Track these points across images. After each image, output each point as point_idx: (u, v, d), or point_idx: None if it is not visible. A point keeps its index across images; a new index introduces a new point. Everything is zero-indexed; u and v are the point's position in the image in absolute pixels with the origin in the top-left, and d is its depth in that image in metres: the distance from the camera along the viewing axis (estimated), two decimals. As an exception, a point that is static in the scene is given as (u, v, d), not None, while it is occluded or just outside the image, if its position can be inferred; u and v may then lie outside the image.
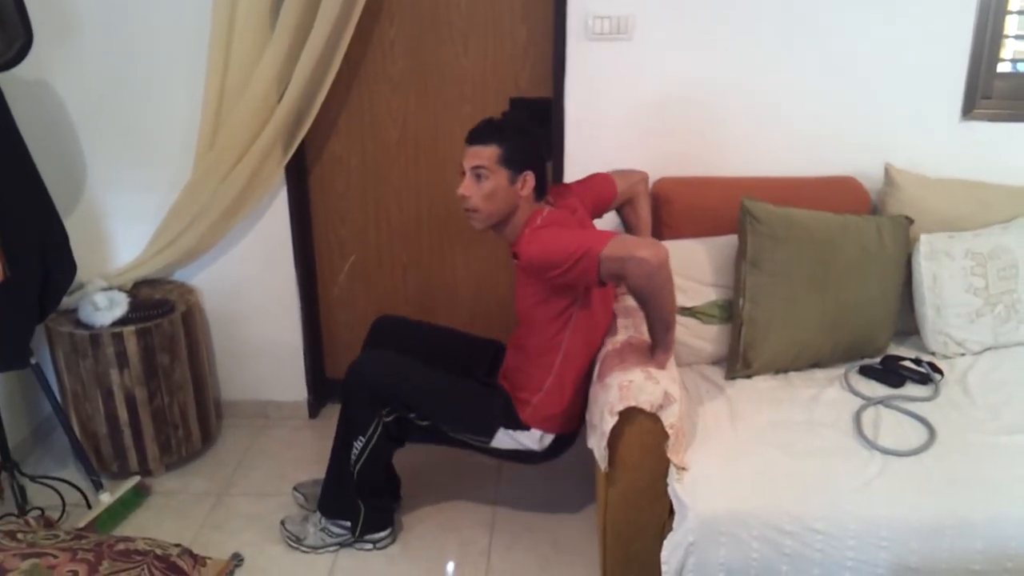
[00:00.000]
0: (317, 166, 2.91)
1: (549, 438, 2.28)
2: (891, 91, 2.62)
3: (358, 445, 2.29)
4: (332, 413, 3.15)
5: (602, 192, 2.41)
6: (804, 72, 2.62)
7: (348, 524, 2.41)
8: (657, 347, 2.08)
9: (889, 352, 2.43)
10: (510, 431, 2.27)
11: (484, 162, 2.12)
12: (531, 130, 2.21)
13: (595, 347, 2.25)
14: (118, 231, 2.86)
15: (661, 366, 2.04)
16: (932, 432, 2.04)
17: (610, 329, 2.29)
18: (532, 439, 2.28)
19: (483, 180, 2.13)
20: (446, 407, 2.31)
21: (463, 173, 2.16)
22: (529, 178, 2.15)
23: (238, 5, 2.50)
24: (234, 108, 2.58)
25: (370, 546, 2.43)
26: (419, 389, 2.29)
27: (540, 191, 2.20)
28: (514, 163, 2.13)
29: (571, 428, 2.33)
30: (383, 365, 2.31)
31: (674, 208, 2.57)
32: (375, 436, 2.28)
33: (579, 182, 2.41)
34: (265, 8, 2.52)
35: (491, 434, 2.28)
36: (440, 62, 2.76)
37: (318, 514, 2.44)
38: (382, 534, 2.44)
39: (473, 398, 2.32)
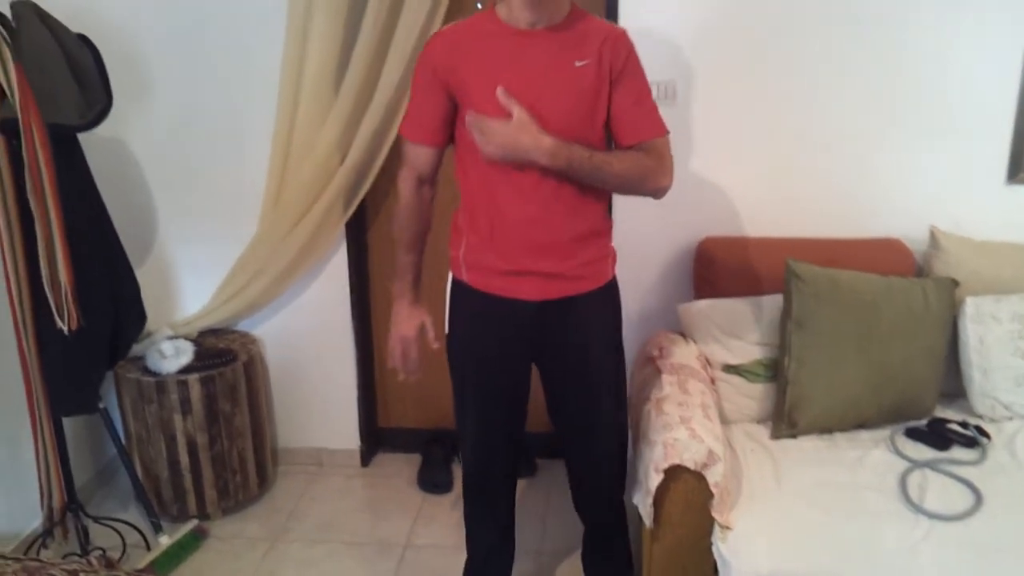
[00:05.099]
0: (376, 223, 3.02)
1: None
2: (936, 154, 2.66)
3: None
4: (383, 462, 3.23)
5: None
6: (850, 134, 2.66)
7: None
8: (546, 136, 1.81)
9: (936, 414, 2.43)
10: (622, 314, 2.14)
11: None
12: None
13: None
14: (186, 282, 3.00)
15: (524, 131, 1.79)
16: (979, 497, 2.04)
17: (655, 384, 2.31)
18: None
19: None
20: (622, 380, 2.16)
21: None
22: None
23: (305, 70, 2.64)
24: (299, 168, 2.71)
25: None
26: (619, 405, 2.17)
27: None
28: None
29: None
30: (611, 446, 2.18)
31: (719, 267, 2.61)
32: None
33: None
34: (330, 74, 2.65)
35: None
36: (494, 124, 2.86)
37: None
38: None
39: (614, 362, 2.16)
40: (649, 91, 1.95)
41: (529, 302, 1.98)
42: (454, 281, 2.10)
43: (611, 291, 2.09)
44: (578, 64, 1.86)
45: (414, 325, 2.16)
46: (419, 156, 2.02)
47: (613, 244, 2.08)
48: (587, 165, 1.83)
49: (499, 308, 2.00)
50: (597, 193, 1.98)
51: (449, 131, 2.00)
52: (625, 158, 1.90)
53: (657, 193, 1.95)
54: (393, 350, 2.17)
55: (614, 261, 2.10)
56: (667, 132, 1.95)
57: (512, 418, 2.16)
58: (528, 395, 2.16)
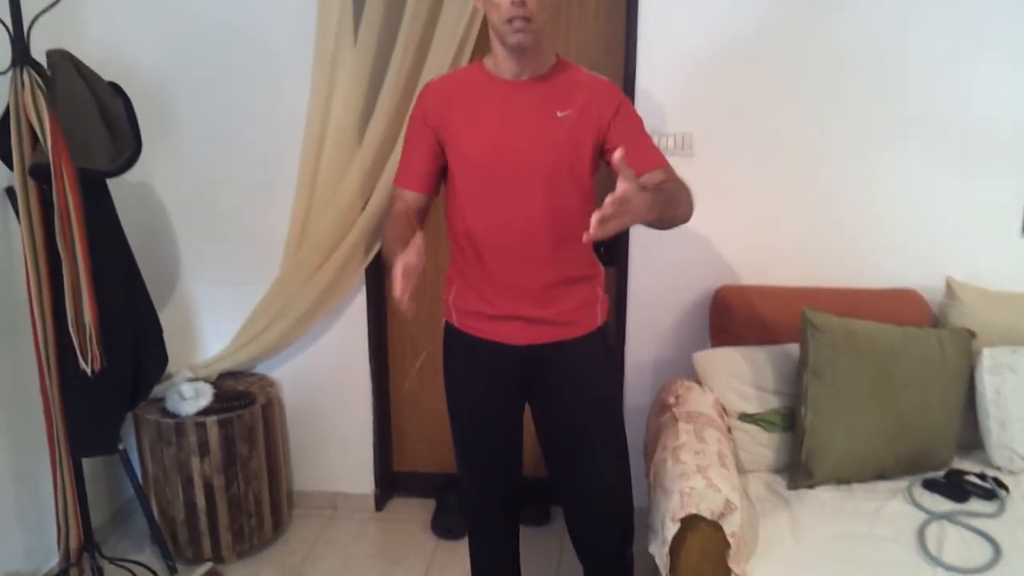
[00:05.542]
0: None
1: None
2: (952, 207, 2.68)
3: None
4: (397, 506, 3.23)
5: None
6: (866, 186, 2.69)
7: None
8: (648, 193, 1.66)
9: (953, 466, 2.42)
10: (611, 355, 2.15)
11: None
12: None
13: None
14: (207, 325, 3.04)
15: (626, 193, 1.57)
16: (998, 549, 2.03)
17: (671, 432, 2.31)
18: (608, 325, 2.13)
19: None
20: (617, 425, 2.17)
21: None
22: None
23: (330, 118, 2.70)
24: (322, 213, 2.76)
25: None
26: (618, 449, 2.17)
27: None
28: None
29: None
30: (616, 477, 2.17)
31: (735, 315, 2.63)
32: None
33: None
34: (354, 121, 2.71)
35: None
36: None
37: None
38: None
39: (613, 400, 2.20)
40: (647, 132, 2.00)
41: (515, 346, 2.04)
42: (446, 325, 2.16)
43: (600, 338, 2.11)
44: (560, 114, 1.92)
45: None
46: (407, 198, 2.05)
47: (625, 290, 2.11)
48: (662, 198, 1.75)
49: (487, 351, 2.06)
50: (580, 238, 2.00)
51: (437, 180, 2.06)
52: (668, 187, 1.86)
53: (689, 219, 1.93)
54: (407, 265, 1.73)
55: (605, 308, 2.12)
56: (669, 164, 1.99)
57: (507, 458, 2.21)
58: (522, 436, 2.20)
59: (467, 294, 2.06)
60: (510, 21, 1.81)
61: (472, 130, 1.95)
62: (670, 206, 1.81)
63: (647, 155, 1.96)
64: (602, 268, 2.14)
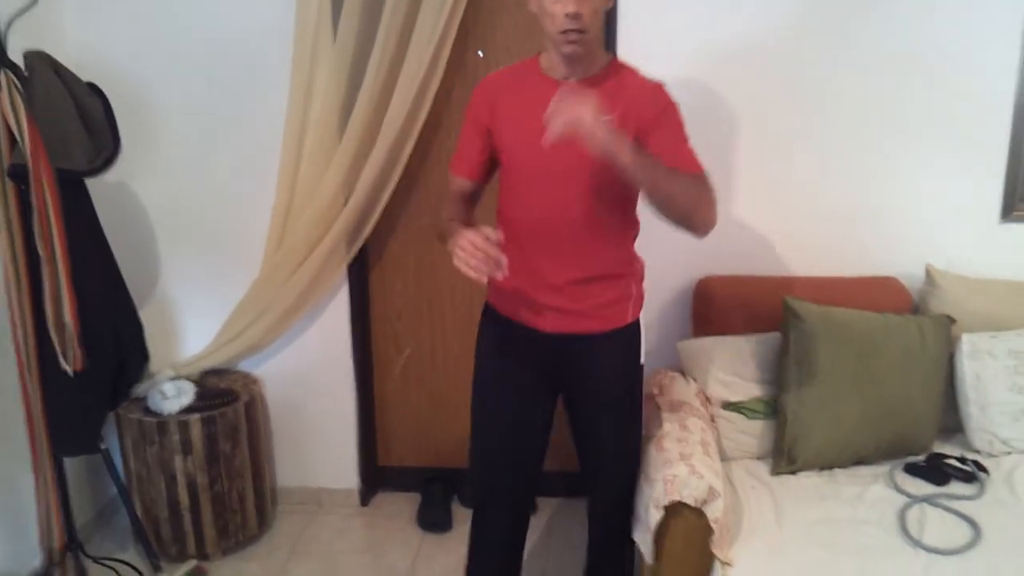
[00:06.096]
0: (378, 265, 3.05)
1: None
2: (931, 194, 2.71)
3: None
4: (382, 501, 3.23)
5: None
6: (845, 176, 2.72)
7: None
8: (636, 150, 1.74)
9: (934, 450, 2.44)
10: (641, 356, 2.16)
11: None
12: None
13: None
14: (188, 323, 3.02)
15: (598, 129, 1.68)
16: (978, 531, 2.05)
17: (655, 421, 2.32)
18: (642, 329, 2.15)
19: None
20: (634, 414, 2.20)
21: None
22: None
23: (309, 115, 2.69)
24: (302, 211, 2.75)
25: None
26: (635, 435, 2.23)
27: None
28: None
29: None
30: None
31: (718, 305, 2.65)
32: None
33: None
34: (334, 119, 2.70)
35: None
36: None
37: None
38: None
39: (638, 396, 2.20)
40: (686, 138, 1.96)
41: (545, 333, 2.07)
42: (486, 303, 2.22)
43: (628, 334, 2.13)
44: (605, 117, 1.90)
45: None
46: (460, 186, 2.13)
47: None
48: (649, 160, 1.78)
49: (519, 333, 2.11)
50: (617, 238, 2.06)
51: (487, 169, 2.12)
52: (685, 176, 1.86)
53: (706, 226, 1.86)
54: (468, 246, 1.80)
55: (639, 305, 2.14)
56: (704, 172, 1.93)
57: (523, 444, 2.21)
58: (548, 427, 2.21)
59: (505, 278, 2.09)
60: (564, 32, 1.85)
61: (517, 125, 1.99)
62: (670, 182, 1.79)
63: (677, 160, 1.91)
64: (642, 265, 2.16)
